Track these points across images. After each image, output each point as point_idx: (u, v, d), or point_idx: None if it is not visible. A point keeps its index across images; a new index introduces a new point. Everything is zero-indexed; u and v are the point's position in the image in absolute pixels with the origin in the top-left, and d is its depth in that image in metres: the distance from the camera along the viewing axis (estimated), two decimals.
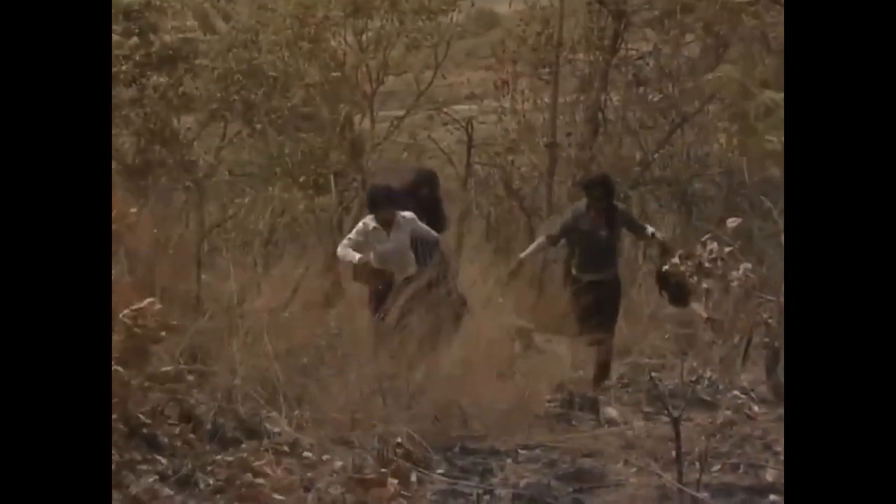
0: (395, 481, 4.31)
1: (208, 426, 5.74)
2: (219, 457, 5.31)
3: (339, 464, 5.34)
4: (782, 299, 4.65)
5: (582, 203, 8.66)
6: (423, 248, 8.44)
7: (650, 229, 8.90)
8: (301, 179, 11.28)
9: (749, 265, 4.20)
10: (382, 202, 8.31)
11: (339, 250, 8.42)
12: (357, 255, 8.18)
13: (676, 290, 7.86)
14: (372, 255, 8.29)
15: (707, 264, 4.01)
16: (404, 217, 8.31)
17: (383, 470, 4.39)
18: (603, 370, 8.50)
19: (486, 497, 5.65)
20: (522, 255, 9.42)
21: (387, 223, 8.28)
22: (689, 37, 12.65)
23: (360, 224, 8.45)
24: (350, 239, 8.43)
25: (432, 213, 8.85)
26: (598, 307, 8.47)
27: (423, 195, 8.84)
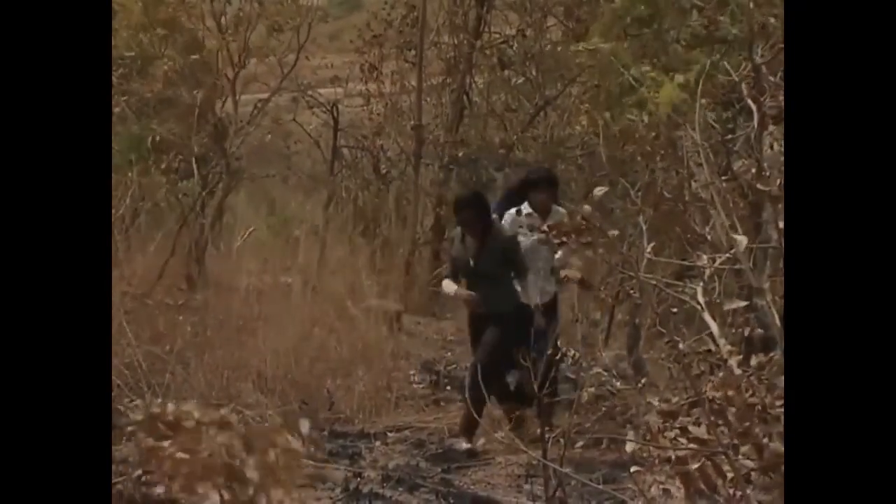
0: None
1: None
2: None
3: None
4: (642, 276, 4.74)
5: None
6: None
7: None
8: (163, 166, 11.02)
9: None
10: (542, 184, 7.21)
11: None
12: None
13: None
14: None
15: (585, 223, 4.03)
16: (558, 210, 7.10)
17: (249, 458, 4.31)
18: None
19: (356, 479, 5.65)
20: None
21: (545, 209, 7.10)
22: (550, 20, 12.80)
23: (509, 215, 7.18)
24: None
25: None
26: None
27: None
